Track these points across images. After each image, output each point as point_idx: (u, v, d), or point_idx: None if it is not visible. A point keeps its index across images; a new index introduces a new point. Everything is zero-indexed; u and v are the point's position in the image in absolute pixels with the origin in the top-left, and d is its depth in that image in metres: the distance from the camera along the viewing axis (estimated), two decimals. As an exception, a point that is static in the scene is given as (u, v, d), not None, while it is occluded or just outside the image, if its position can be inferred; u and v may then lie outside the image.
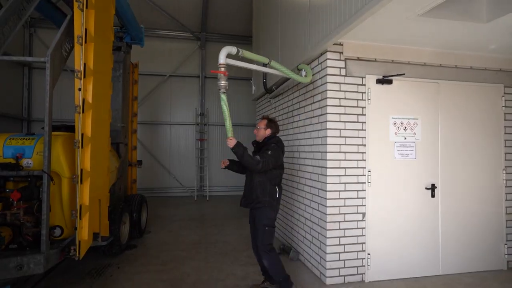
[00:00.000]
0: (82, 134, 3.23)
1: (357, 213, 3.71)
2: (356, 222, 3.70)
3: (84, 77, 3.26)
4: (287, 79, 5.08)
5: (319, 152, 3.91)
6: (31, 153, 3.44)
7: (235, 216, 7.53)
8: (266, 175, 3.26)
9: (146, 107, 10.52)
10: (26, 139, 3.52)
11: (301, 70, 4.11)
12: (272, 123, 3.49)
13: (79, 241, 3.19)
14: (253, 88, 7.49)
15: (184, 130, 10.76)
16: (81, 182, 3.22)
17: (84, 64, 3.26)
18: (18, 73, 8.81)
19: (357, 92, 3.77)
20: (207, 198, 9.95)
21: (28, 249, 3.30)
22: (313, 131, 4.11)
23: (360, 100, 3.77)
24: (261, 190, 3.27)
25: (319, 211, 3.87)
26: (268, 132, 3.46)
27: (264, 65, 3.85)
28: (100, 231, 3.78)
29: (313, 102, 4.10)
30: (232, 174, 11.62)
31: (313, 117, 4.10)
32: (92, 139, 3.40)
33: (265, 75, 6.33)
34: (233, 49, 3.36)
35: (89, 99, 3.37)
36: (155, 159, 10.44)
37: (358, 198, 3.71)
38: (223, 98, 3.31)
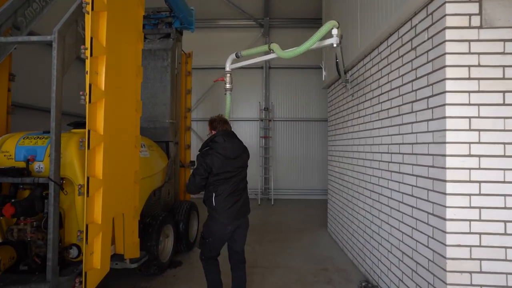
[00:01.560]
0: (89, 131, 2.44)
1: (506, 260, 2.18)
2: (505, 276, 2.17)
3: (91, 55, 2.46)
4: (368, 54, 3.71)
5: (428, 155, 2.47)
6: (43, 156, 2.82)
7: (304, 227, 6.31)
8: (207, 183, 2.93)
9: (207, 103, 9.97)
10: (39, 139, 2.91)
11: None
12: (213, 122, 3.14)
13: (85, 272, 2.41)
14: (324, 73, 6.14)
15: (247, 127, 9.91)
16: (88, 195, 2.43)
17: (92, 38, 2.46)
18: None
19: (503, 54, 2.22)
20: (272, 203, 8.91)
21: (37, 273, 2.67)
22: (415, 122, 2.68)
23: (509, 67, 2.21)
24: (204, 199, 3.05)
25: (430, 249, 2.44)
26: (214, 133, 3.09)
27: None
28: (125, 252, 3.01)
29: (416, 78, 2.66)
30: (301, 176, 10.08)
31: (416, 101, 2.66)
32: (107, 137, 2.60)
33: (337, 54, 4.98)
34: (233, 55, 4.10)
35: (101, 84, 2.57)
36: (218, 158, 9.83)
37: (506, 234, 2.18)
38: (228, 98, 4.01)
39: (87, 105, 2.44)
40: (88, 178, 2.42)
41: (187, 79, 6.14)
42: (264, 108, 9.74)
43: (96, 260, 2.53)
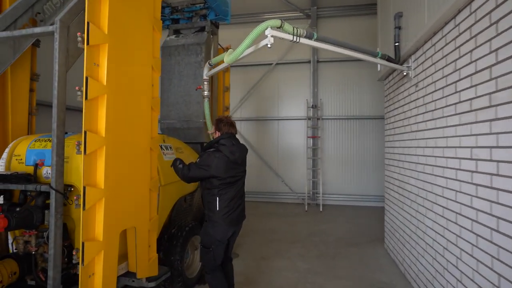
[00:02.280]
0: (86, 133, 2.07)
1: None
2: None
3: (88, 43, 2.09)
4: (438, 29, 2.87)
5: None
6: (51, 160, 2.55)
7: (356, 241, 5.48)
8: (206, 185, 2.86)
9: (251, 101, 9.52)
10: (50, 141, 2.66)
11: None
12: (220, 123, 3.02)
13: (82, 300, 2.04)
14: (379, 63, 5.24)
15: (294, 126, 9.24)
16: (84, 208, 2.06)
17: (88, 24, 2.08)
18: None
19: None
20: (320, 209, 8.12)
21: (44, 289, 2.40)
22: (519, 115, 1.83)
23: None
24: (205, 203, 2.93)
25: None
26: (218, 135, 3.00)
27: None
28: (138, 270, 2.62)
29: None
30: (353, 180, 9.10)
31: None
32: (112, 139, 2.23)
33: (397, 36, 4.11)
34: (209, 62, 4.22)
35: (101, 78, 2.19)
36: (261, 159, 9.33)
37: None
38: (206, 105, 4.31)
39: (83, 102, 2.07)
40: (84, 188, 2.05)
41: (225, 75, 5.71)
42: (312, 105, 8.98)
43: (97, 283, 2.16)
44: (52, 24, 2.39)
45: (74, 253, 2.10)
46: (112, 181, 2.26)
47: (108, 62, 2.21)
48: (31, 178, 2.47)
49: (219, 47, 5.53)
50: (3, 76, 3.03)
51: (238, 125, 9.35)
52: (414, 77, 3.77)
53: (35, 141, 2.70)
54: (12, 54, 2.96)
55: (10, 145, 2.79)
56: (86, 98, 2.06)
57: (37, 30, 2.39)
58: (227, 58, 3.27)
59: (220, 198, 2.76)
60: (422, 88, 3.46)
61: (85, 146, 2.05)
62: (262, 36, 2.77)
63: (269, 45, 2.75)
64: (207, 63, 4.27)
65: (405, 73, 3.96)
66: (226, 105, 5.71)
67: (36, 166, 2.53)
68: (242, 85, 9.39)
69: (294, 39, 2.87)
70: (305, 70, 9.12)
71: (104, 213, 2.18)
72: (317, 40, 3.06)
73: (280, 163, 9.30)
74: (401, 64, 4.01)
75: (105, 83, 2.19)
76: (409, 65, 3.87)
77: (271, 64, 9.23)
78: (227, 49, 5.79)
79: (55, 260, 2.18)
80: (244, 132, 9.49)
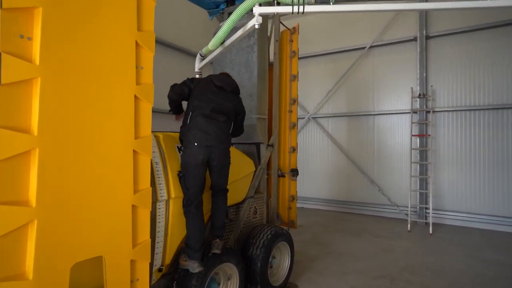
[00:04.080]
0: None
1: None
2: None
3: (1, 7, 1.52)
4: None
5: None
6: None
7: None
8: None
9: (340, 94, 8.11)
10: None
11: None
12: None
13: None
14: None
15: (395, 122, 7.41)
16: (-2, 234, 1.48)
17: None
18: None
19: None
20: (430, 231, 6.14)
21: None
22: None
23: None
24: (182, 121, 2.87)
25: None
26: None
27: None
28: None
29: None
30: (480, 193, 6.73)
31: None
32: (53, 140, 1.63)
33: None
34: (200, 52, 3.91)
35: (33, 55, 1.61)
36: (353, 162, 7.83)
37: None
38: None
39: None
40: (-3, 206, 1.48)
41: (292, 62, 4.70)
42: (419, 95, 6.99)
43: None
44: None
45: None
46: (54, 196, 1.65)
47: (44, 34, 1.61)
48: None
49: (282, 28, 4.60)
50: None
51: (325, 122, 8.15)
52: None
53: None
54: None
55: None
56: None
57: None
58: (211, 42, 3.21)
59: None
60: None
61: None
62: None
63: (256, 26, 2.31)
64: (198, 53, 3.97)
65: None
66: (294, 97, 4.69)
67: None
68: (328, 76, 8.13)
69: (297, 10, 2.08)
70: (409, 51, 7.19)
71: (36, 240, 1.58)
72: None
73: (376, 168, 7.62)
74: None
75: (38, 63, 1.59)
76: None
77: (363, 48, 7.66)
78: (294, 29, 4.79)
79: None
80: (332, 130, 8.20)
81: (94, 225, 1.86)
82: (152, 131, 2.23)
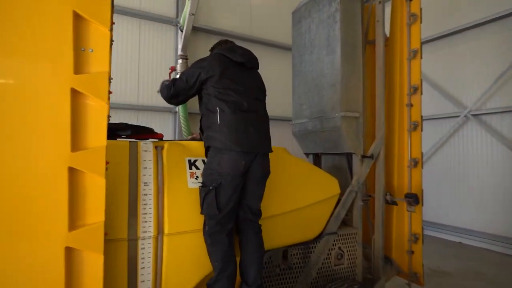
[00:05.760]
0: None
1: None
2: None
3: None
4: None
5: None
6: None
7: None
8: (204, 101, 2.04)
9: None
10: None
11: None
12: (216, 45, 2.29)
13: None
14: None
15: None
16: None
17: None
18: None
19: None
20: None
21: None
22: None
23: None
24: (204, 122, 2.03)
25: None
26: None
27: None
28: None
29: None
30: None
31: None
32: None
33: None
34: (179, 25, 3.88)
35: None
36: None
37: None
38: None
39: None
40: None
41: (411, 31, 3.12)
42: None
43: None
44: None
45: None
46: None
47: None
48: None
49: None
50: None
51: (495, 119, 5.57)
52: None
53: None
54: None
55: None
56: None
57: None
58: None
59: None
60: None
61: None
62: None
63: None
64: (177, 26, 3.32)
65: None
66: (415, 84, 3.09)
67: None
68: (498, 53, 5.48)
69: None
70: None
71: None
72: None
73: None
74: None
75: None
76: None
77: None
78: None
79: None
80: (506, 130, 5.45)
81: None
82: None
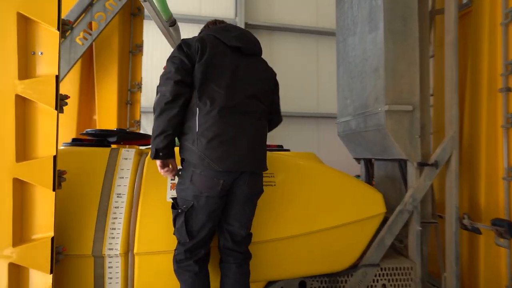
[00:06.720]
0: None
1: None
2: None
3: None
4: None
5: None
6: None
7: None
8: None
9: None
10: None
11: None
12: (204, 27, 1.82)
13: None
14: None
15: None
16: None
17: None
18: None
19: None
20: None
21: None
22: None
23: None
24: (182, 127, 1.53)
25: None
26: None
27: None
28: None
29: None
30: None
31: None
32: None
33: None
34: None
35: None
36: None
37: None
38: None
39: None
40: None
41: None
42: None
43: None
44: None
45: None
46: None
47: None
48: None
49: None
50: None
51: None
52: None
53: None
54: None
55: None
56: None
57: None
58: None
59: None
60: None
61: None
62: None
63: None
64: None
65: None
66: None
67: None
68: None
69: None
70: None
71: None
72: None
73: None
74: None
75: None
76: None
77: None
78: None
79: None
80: None
81: None
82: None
